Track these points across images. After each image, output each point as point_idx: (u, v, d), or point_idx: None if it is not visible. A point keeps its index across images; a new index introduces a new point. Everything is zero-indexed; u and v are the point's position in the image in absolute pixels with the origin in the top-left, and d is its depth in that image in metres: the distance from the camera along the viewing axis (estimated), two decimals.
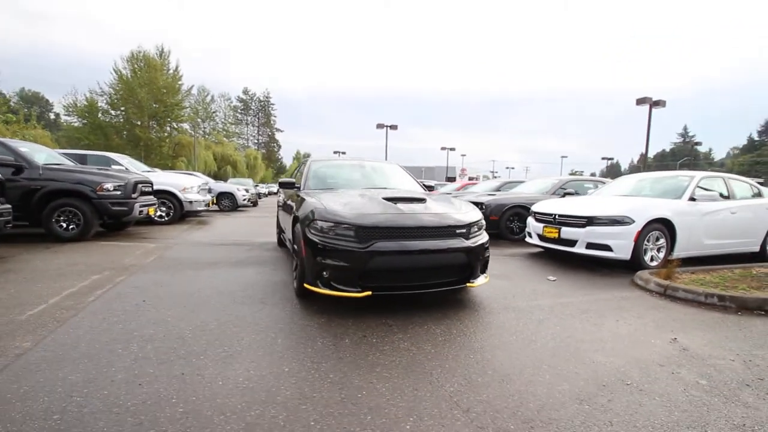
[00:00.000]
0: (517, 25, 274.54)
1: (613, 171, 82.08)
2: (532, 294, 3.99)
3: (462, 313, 3.31)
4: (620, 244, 5.03)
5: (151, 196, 8.26)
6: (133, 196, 7.24)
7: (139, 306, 3.30)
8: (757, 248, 6.07)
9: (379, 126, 28.38)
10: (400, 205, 3.47)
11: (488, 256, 3.60)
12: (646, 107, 20.73)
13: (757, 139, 77.27)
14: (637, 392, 2.10)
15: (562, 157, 60.32)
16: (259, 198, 24.04)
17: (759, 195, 6.25)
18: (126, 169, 9.26)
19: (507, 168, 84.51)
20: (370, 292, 3.06)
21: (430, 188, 5.25)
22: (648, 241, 5.15)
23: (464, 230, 3.39)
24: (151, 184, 8.29)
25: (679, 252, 5.29)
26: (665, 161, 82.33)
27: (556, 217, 5.68)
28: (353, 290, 3.06)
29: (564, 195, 8.06)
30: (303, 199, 3.83)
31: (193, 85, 41.92)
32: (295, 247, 3.74)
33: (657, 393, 2.10)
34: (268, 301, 3.52)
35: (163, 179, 9.66)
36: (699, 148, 78.55)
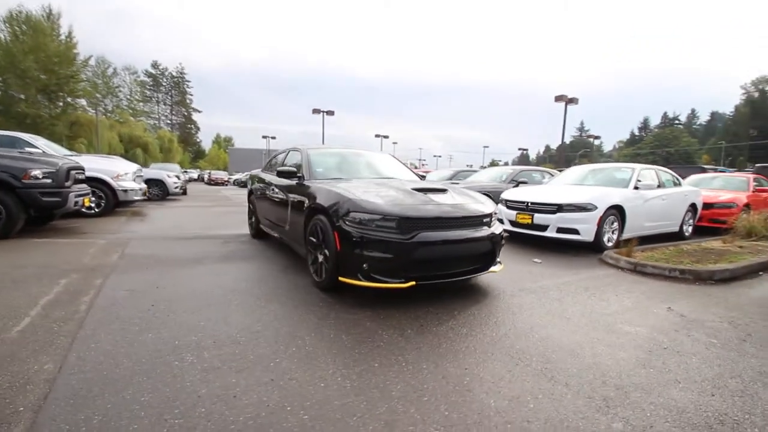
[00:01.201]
0: (438, 18, 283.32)
1: (523, 160, 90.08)
2: (531, 276, 4.36)
3: (488, 298, 3.50)
4: (586, 228, 5.68)
5: (84, 185, 7.15)
6: (67, 184, 6.20)
7: (152, 311, 2.93)
8: (676, 228, 7.27)
9: (315, 111, 27.58)
10: (432, 196, 3.53)
11: (504, 244, 3.84)
12: (552, 102, 24.00)
13: (637, 134, 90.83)
14: (677, 354, 2.48)
15: (485, 147, 64.56)
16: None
17: (678, 184, 7.47)
18: (43, 152, 7.84)
19: (435, 156, 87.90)
20: (414, 282, 3.10)
21: (422, 177, 5.36)
22: (606, 224, 5.89)
23: (488, 219, 3.58)
24: (83, 170, 7.16)
25: (626, 234, 6.13)
26: (567, 152, 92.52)
27: (529, 204, 6.18)
28: (397, 281, 3.07)
29: (517, 184, 8.75)
30: (321, 190, 3.68)
31: (92, 56, 36.39)
32: (314, 239, 3.60)
33: (691, 353, 2.50)
34: (294, 297, 3.36)
35: (93, 165, 8.37)
36: (589, 139, 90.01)
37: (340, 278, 3.23)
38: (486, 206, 3.69)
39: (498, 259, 3.80)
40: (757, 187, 9.07)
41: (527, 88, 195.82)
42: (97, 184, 8.38)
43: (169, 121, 71.08)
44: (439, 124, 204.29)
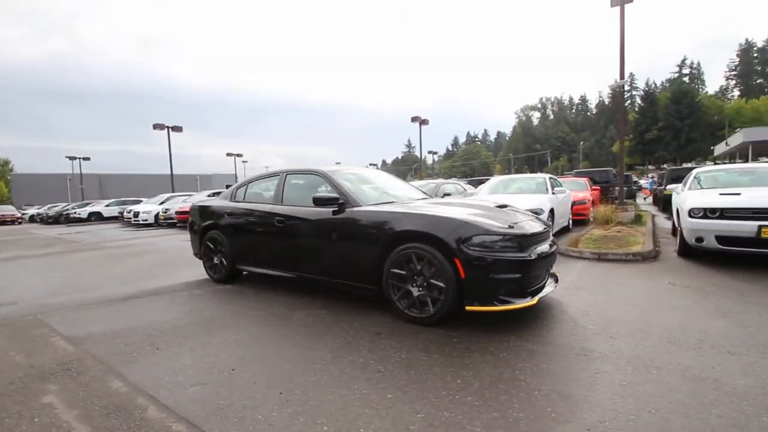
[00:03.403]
0: (275, 33, 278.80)
1: None
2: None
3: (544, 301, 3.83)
4: None
5: None
6: None
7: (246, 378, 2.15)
8: (567, 223, 9.20)
9: (158, 126, 23.37)
10: (516, 213, 3.65)
11: None
12: (392, 121, 27.11)
13: (450, 149, 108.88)
14: (721, 316, 3.27)
15: (337, 163, 66.58)
16: None
17: (562, 188, 9.48)
18: None
19: None
20: (536, 299, 3.15)
21: None
22: None
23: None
24: None
25: (554, 231, 7.48)
26: (399, 166, 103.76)
27: None
28: (525, 300, 3.07)
29: (444, 195, 9.54)
30: (410, 215, 3.39)
31: None
32: (401, 271, 3.26)
33: (733, 312, 3.31)
34: (413, 353, 2.95)
35: None
36: (417, 155, 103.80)
37: (468, 307, 3.03)
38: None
39: None
40: (591, 186, 12.25)
41: (364, 109, 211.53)
42: None
43: None
44: (282, 142, 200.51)
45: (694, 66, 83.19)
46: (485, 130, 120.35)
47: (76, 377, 2.55)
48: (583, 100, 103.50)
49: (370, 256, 3.50)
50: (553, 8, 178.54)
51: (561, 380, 2.27)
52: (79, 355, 2.90)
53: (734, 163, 27.60)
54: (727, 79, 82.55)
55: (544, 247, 3.38)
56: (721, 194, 5.30)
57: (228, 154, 38.44)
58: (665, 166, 60.20)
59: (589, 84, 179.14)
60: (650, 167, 60.23)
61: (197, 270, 5.79)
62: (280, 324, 3.43)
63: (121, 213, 21.85)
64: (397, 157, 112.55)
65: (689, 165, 31.42)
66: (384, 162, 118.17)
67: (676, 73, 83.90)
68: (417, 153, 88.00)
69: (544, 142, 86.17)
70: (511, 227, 3.19)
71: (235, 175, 42.64)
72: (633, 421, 1.85)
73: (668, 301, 3.73)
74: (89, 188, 37.81)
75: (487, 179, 10.06)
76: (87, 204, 27.34)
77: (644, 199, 22.52)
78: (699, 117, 59.98)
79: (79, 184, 34.29)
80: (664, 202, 14.34)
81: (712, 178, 6.53)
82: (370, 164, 58.39)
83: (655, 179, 21.93)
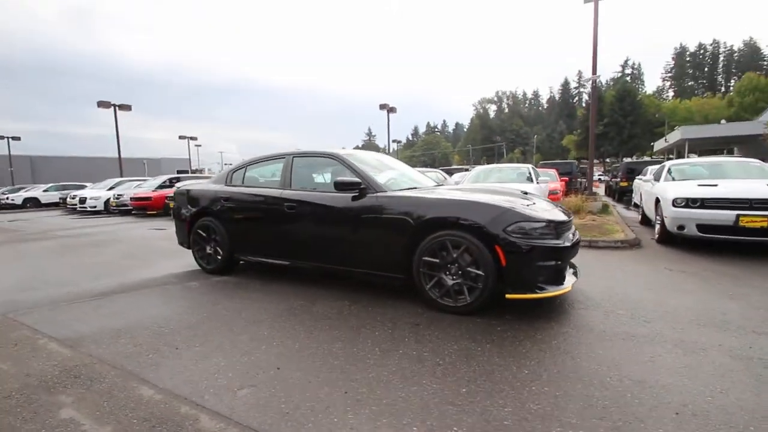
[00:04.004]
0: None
1: None
2: None
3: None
4: None
5: None
6: None
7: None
8: None
9: (103, 105, 21.18)
10: (541, 200, 3.64)
11: None
12: (344, 109, 26.70)
13: (411, 138, 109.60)
14: (729, 298, 3.50)
15: (297, 149, 64.74)
16: None
17: (543, 177, 9.79)
18: None
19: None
20: (570, 287, 3.17)
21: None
22: None
23: None
24: None
25: None
26: None
27: None
28: (560, 287, 3.08)
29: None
30: (443, 201, 3.28)
31: None
32: (434, 259, 3.16)
33: (739, 294, 3.56)
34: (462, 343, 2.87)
35: None
36: (378, 143, 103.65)
37: (509, 295, 2.99)
38: None
39: None
40: (560, 177, 12.76)
41: (322, 94, 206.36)
42: None
43: None
44: (235, 126, 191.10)
45: (636, 67, 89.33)
46: (444, 121, 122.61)
47: (90, 385, 2.21)
48: (536, 95, 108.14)
49: (398, 243, 3.35)
50: (510, 8, 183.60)
51: (624, 366, 2.28)
52: (83, 360, 2.53)
53: (670, 158, 30.21)
54: (664, 80, 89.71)
55: (571, 235, 3.41)
56: (699, 185, 5.67)
57: (181, 137, 35.99)
58: (608, 160, 64.44)
59: (541, 80, 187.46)
60: (596, 161, 64.36)
61: (179, 261, 5.35)
62: (305, 317, 3.20)
63: (63, 199, 19.90)
64: (358, 146, 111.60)
65: (631, 160, 33.97)
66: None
67: (619, 72, 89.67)
68: (378, 142, 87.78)
69: (500, 134, 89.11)
70: (550, 214, 3.19)
71: (189, 159, 40.15)
72: (711, 403, 1.89)
73: (675, 284, 3.92)
74: (19, 172, 33.92)
75: (451, 169, 10.07)
76: (20, 189, 24.57)
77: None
78: (640, 115, 64.55)
79: (8, 167, 30.65)
80: (619, 193, 15.38)
81: (683, 171, 7.01)
82: None
83: (602, 172, 23.47)
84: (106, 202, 15.91)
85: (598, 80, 10.51)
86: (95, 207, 16.19)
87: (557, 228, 3.12)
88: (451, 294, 3.15)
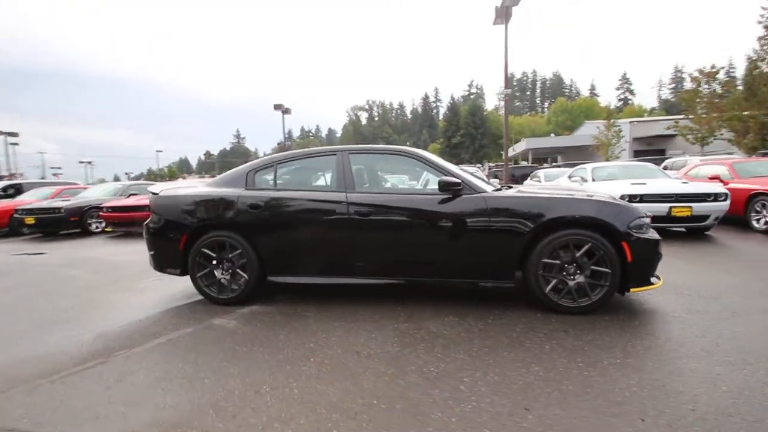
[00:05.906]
0: None
1: (187, 166, 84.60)
2: None
3: None
4: None
5: None
6: None
7: None
8: None
9: None
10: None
11: None
12: (207, 110, 25.08)
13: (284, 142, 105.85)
14: (734, 275, 4.35)
15: (158, 151, 56.64)
16: None
17: None
18: None
19: (82, 163, 65.34)
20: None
21: None
22: None
23: None
24: None
25: None
26: (227, 158, 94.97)
27: None
28: (658, 279, 3.29)
29: None
30: (565, 200, 3.18)
31: None
32: (558, 261, 3.06)
33: (744, 275, 4.44)
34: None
35: None
36: (248, 146, 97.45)
37: (633, 289, 3.07)
38: None
39: None
40: None
41: (180, 92, 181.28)
42: None
43: None
44: (61, 122, 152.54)
45: (479, 87, 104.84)
46: (317, 126, 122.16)
47: None
48: (401, 106, 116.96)
49: (512, 246, 3.12)
50: (376, 21, 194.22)
51: (741, 338, 2.56)
52: None
53: (518, 164, 36.50)
54: (499, 99, 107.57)
55: None
56: (632, 184, 6.90)
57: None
58: (463, 166, 73.67)
59: (405, 93, 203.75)
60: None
61: (149, 296, 4.03)
62: (440, 341, 2.70)
63: None
64: (225, 148, 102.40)
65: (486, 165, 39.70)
66: (209, 153, 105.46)
67: (467, 91, 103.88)
68: (246, 145, 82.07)
69: (372, 141, 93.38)
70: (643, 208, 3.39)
71: (7, 161, 30.65)
72: None
73: (691, 267, 4.65)
74: None
75: None
76: None
77: None
78: (487, 128, 76.00)
79: None
80: None
81: (604, 172, 8.45)
82: (201, 156, 51.20)
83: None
84: None
85: (434, 97, 11.78)
86: None
87: (651, 222, 3.35)
88: (572, 294, 3.09)
